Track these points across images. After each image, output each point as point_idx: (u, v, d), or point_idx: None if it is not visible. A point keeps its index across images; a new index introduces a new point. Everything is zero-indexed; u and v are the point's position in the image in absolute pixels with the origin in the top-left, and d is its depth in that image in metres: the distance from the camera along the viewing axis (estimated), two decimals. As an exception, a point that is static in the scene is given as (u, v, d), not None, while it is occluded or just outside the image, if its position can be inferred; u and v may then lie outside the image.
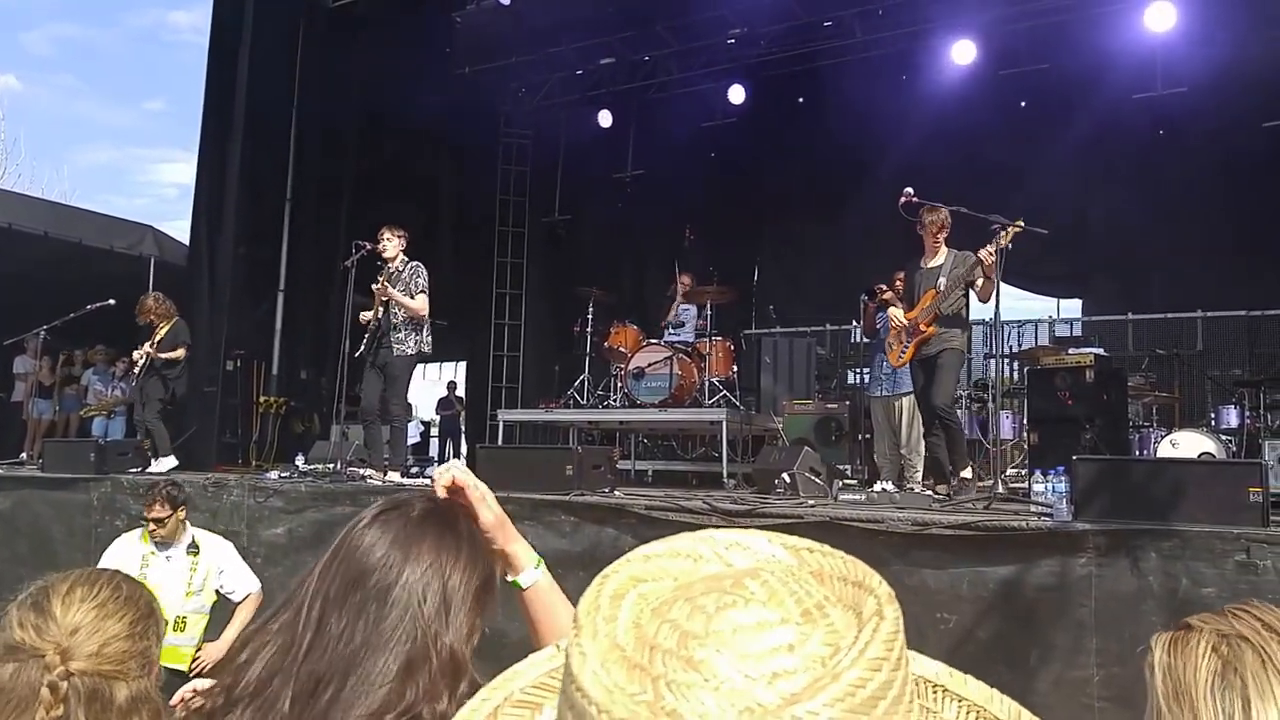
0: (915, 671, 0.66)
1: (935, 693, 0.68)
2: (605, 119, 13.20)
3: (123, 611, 1.42)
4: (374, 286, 7.18)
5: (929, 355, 6.40)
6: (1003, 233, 5.98)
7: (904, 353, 6.60)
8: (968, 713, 0.68)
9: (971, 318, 11.62)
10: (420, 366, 16.79)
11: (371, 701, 1.21)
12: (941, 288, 6.34)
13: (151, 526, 4.66)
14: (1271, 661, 0.96)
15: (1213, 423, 8.07)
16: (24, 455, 10.45)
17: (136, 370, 8.35)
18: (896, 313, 6.68)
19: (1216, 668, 0.97)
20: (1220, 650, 0.98)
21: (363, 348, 7.25)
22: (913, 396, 7.02)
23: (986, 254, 6.07)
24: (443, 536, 1.34)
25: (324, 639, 1.25)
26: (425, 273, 7.27)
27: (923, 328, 6.40)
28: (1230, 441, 7.42)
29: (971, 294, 6.45)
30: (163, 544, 4.70)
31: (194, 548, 4.77)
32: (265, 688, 1.24)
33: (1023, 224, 6.00)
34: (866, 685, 0.52)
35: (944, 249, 6.50)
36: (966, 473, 6.38)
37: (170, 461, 7.99)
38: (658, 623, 0.57)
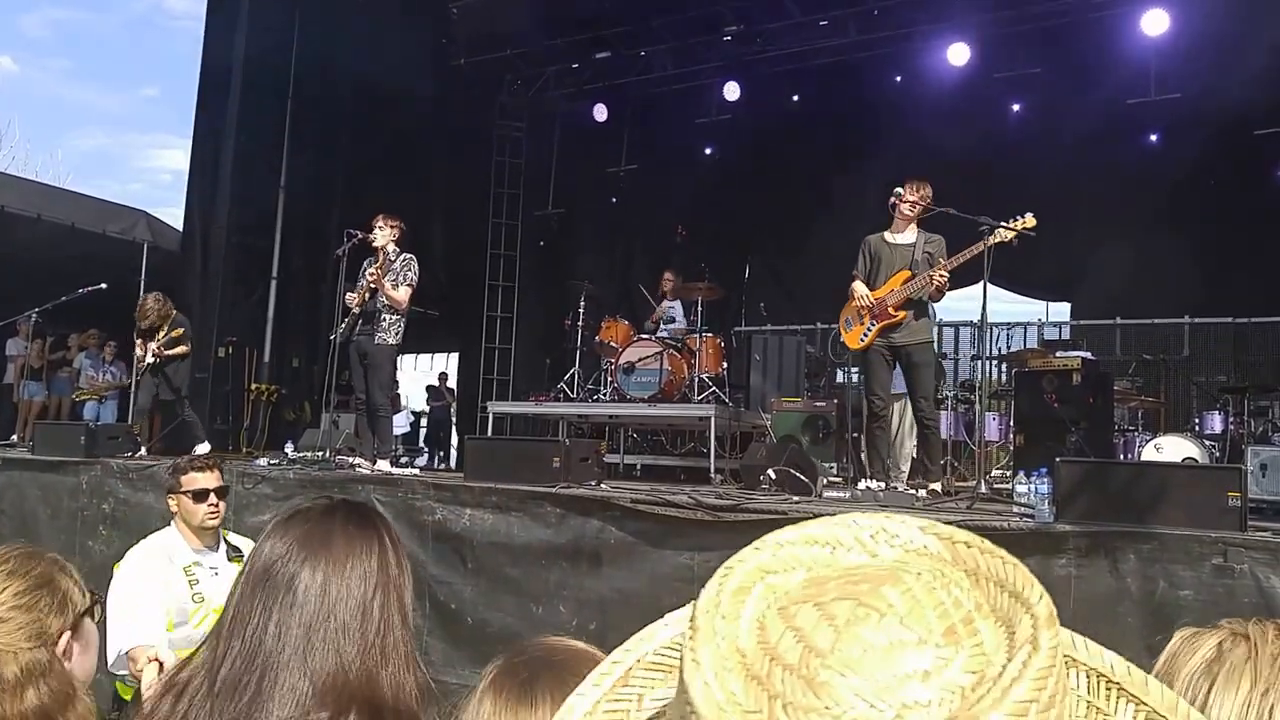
0: (1089, 664, 0.60)
1: (1109, 690, 0.60)
2: (600, 113, 13.20)
3: (4, 584, 1.41)
4: (367, 274, 7.16)
5: (897, 346, 6.12)
6: (993, 235, 5.67)
7: (866, 335, 6.18)
8: None
9: (959, 320, 11.79)
10: (411, 357, 16.81)
11: (294, 701, 1.22)
12: (918, 272, 6.02)
13: (210, 508, 3.61)
14: (1257, 656, 0.97)
15: (1197, 428, 8.09)
16: (15, 437, 10.46)
17: (141, 367, 8.40)
18: (860, 287, 6.22)
19: (1210, 656, 1.00)
20: (1223, 644, 1.00)
21: (342, 330, 7.25)
22: (904, 399, 6.90)
23: (940, 274, 5.87)
24: (350, 535, 1.33)
25: (235, 645, 1.26)
26: (416, 267, 7.25)
27: (891, 310, 6.07)
28: (1214, 447, 7.45)
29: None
30: (204, 546, 3.66)
31: (236, 551, 3.72)
32: (193, 700, 1.26)
33: (1027, 223, 5.69)
34: None
35: (914, 227, 6.21)
36: (937, 486, 6.15)
37: (206, 446, 8.09)
38: (782, 628, 0.52)
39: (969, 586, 0.53)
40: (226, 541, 3.76)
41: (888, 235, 6.29)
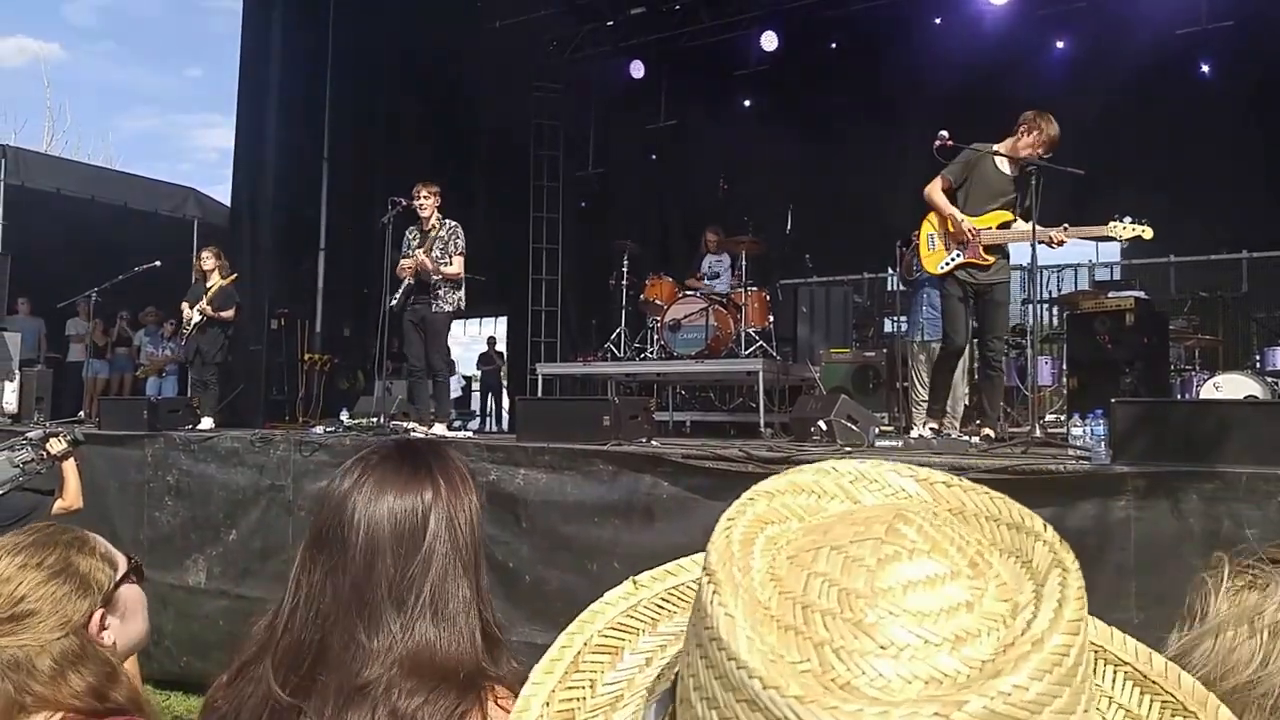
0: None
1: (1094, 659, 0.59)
2: (637, 70, 13.10)
3: (20, 578, 1.43)
4: (407, 259, 7.22)
5: (978, 284, 5.76)
6: (1124, 228, 5.58)
7: (948, 264, 5.73)
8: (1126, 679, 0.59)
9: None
10: (460, 323, 16.96)
11: (351, 662, 1.14)
12: (1016, 212, 5.60)
13: None
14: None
15: (1257, 365, 7.93)
16: (82, 414, 10.74)
17: (189, 328, 8.46)
18: (958, 212, 5.67)
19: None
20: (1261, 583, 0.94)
21: (398, 299, 7.33)
22: None
23: (1059, 239, 5.54)
24: (393, 482, 1.24)
25: (294, 609, 1.20)
26: (462, 233, 7.35)
27: (983, 253, 5.66)
28: (1276, 383, 7.30)
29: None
30: None
31: None
32: (254, 668, 1.21)
33: (1145, 233, 5.58)
34: (1069, 652, 0.45)
35: (1015, 164, 5.71)
36: (991, 432, 5.84)
37: (210, 422, 8.16)
38: (803, 576, 0.50)
39: (959, 524, 0.53)
40: None
41: (999, 158, 5.75)
